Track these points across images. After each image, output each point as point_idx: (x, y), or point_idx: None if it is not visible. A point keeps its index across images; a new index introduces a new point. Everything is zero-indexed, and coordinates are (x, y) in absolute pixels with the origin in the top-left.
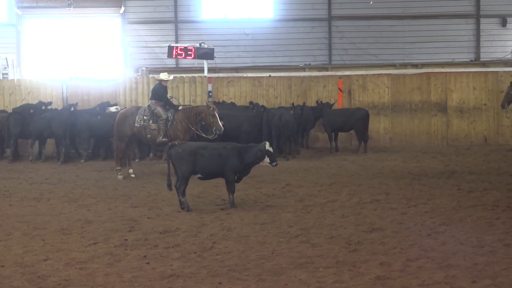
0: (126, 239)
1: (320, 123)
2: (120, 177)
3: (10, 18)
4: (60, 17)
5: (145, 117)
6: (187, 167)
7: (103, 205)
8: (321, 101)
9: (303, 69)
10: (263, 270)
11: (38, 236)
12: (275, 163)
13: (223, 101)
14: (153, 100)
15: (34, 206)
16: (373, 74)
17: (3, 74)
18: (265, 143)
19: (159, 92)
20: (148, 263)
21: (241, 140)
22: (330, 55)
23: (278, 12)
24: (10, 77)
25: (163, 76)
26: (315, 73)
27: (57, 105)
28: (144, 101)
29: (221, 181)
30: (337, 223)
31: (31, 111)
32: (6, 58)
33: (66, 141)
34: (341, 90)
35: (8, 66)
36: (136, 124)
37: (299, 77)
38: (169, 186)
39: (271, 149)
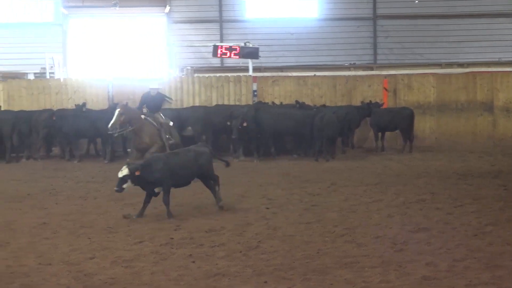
0: (171, 238)
1: (366, 122)
2: None
3: (56, 18)
4: (105, 17)
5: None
6: None
7: (149, 204)
8: (370, 101)
9: (348, 68)
10: (309, 270)
11: (85, 235)
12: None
13: (273, 102)
14: None
15: (80, 204)
16: (419, 74)
17: (49, 73)
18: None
19: None
20: (193, 261)
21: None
22: (375, 54)
23: (323, 11)
24: (57, 76)
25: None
26: (360, 73)
27: (103, 104)
28: (189, 100)
29: (266, 180)
30: (383, 222)
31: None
32: (52, 58)
33: (112, 140)
34: (386, 90)
35: (54, 66)
36: None
37: (344, 76)
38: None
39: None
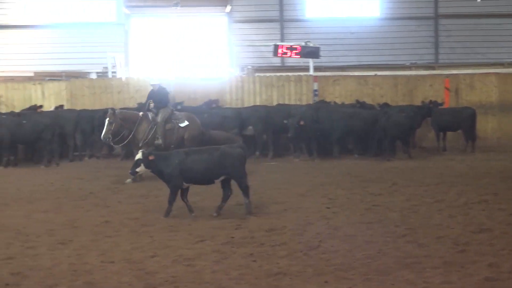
0: (232, 237)
1: (428, 122)
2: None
3: (119, 18)
4: (167, 16)
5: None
6: None
7: (209, 203)
8: (430, 101)
9: (409, 68)
10: (370, 270)
11: (146, 233)
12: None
13: (334, 101)
14: None
15: (142, 203)
16: (481, 73)
17: (112, 72)
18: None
19: None
20: (254, 261)
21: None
22: (436, 53)
23: (384, 10)
24: (118, 75)
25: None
26: (421, 72)
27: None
28: (250, 99)
29: (327, 180)
30: (445, 223)
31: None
32: (114, 57)
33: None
34: (448, 89)
35: (116, 65)
36: None
37: (405, 76)
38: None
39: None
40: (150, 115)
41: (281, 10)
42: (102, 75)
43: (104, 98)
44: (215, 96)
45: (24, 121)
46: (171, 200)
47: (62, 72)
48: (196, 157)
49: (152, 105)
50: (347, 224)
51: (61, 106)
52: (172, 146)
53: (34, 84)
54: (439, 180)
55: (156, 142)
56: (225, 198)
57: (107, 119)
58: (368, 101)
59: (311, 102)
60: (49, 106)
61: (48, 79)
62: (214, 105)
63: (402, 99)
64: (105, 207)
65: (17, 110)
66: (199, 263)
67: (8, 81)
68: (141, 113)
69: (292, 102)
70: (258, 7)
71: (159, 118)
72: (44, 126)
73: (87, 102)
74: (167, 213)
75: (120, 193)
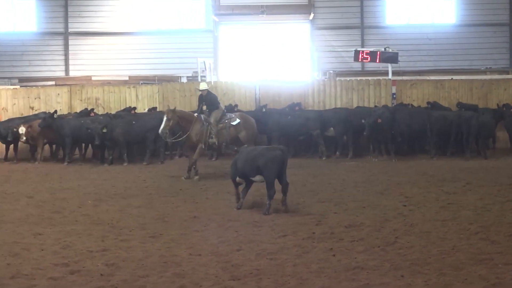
0: (313, 232)
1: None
2: None
3: (207, 24)
4: (253, 24)
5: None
6: None
7: (292, 199)
8: (503, 104)
9: (484, 72)
10: (444, 265)
11: (232, 228)
12: None
13: (411, 104)
14: None
15: (228, 199)
16: None
17: (201, 76)
18: None
19: None
20: (334, 255)
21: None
22: (511, 59)
23: (460, 17)
24: (208, 79)
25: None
26: (496, 76)
27: (251, 105)
28: (331, 102)
29: (403, 179)
30: None
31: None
32: (204, 62)
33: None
34: None
35: (205, 69)
36: None
37: (480, 80)
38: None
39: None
40: (203, 116)
41: (362, 17)
42: (192, 79)
43: (194, 101)
44: (298, 99)
45: (134, 122)
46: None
47: (154, 76)
48: (241, 156)
49: (204, 107)
50: (422, 221)
51: (154, 108)
52: (224, 144)
53: (129, 88)
54: None
55: (210, 140)
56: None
57: (165, 115)
58: (445, 104)
59: (389, 105)
60: (142, 108)
61: (142, 83)
62: (297, 108)
63: (477, 102)
64: (194, 203)
65: (113, 112)
66: (281, 257)
67: (105, 84)
68: (195, 114)
69: (371, 105)
70: (340, 14)
71: (211, 119)
72: (152, 126)
73: (178, 105)
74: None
75: (208, 190)
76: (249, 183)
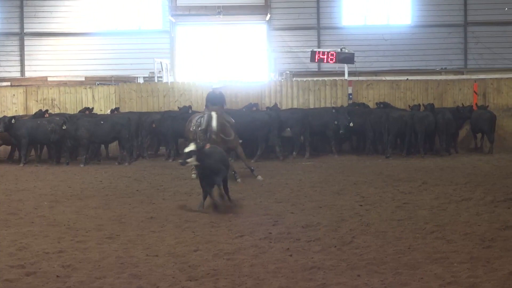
0: (270, 233)
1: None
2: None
3: (164, 25)
4: (210, 24)
5: None
6: None
7: (249, 200)
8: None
9: (439, 72)
10: (400, 264)
11: (189, 228)
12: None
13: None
14: None
15: (185, 200)
16: (508, 78)
17: (158, 77)
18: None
19: None
20: (291, 255)
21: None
22: (465, 59)
23: (416, 18)
24: (164, 80)
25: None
26: (451, 77)
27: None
28: (288, 103)
29: (360, 179)
30: (472, 220)
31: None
32: (160, 62)
33: None
34: (476, 93)
35: (162, 70)
36: None
37: (436, 80)
38: None
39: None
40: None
41: (318, 18)
42: (149, 79)
43: (150, 101)
44: (255, 99)
45: (102, 122)
46: (223, 189)
47: (111, 76)
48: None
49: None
50: (378, 220)
51: (117, 109)
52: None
53: (85, 88)
54: (467, 180)
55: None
56: None
57: (215, 114)
58: (400, 104)
59: (345, 105)
60: (99, 109)
61: (98, 84)
62: (254, 108)
63: (432, 102)
64: (151, 204)
65: (69, 113)
66: (238, 257)
67: (61, 85)
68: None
69: (328, 105)
70: (297, 15)
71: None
72: (121, 126)
73: (134, 105)
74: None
75: (165, 191)
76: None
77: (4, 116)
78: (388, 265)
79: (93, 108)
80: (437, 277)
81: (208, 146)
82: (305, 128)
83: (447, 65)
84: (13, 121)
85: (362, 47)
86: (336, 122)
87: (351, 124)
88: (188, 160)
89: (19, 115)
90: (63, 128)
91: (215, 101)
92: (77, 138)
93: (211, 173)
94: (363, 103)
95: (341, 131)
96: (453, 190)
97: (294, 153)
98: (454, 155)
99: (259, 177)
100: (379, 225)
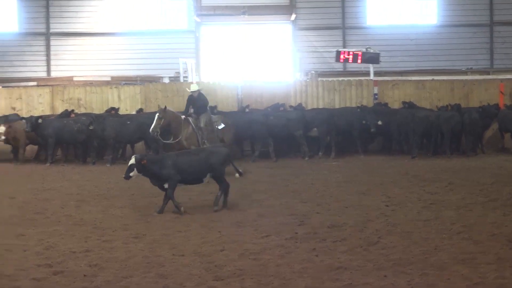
0: (296, 233)
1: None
2: None
3: (190, 25)
4: (234, 24)
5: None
6: None
7: (274, 200)
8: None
9: (465, 72)
10: (427, 265)
11: (215, 228)
12: None
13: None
14: None
15: (210, 200)
16: None
17: (183, 77)
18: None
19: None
20: (317, 255)
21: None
22: (491, 59)
23: (442, 18)
24: (189, 80)
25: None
26: (477, 77)
27: (233, 106)
28: (313, 102)
29: (385, 179)
30: (499, 221)
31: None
32: (186, 62)
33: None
34: (502, 93)
35: (187, 70)
36: None
37: (461, 80)
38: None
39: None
40: (191, 119)
41: (343, 18)
42: (174, 79)
43: (176, 101)
44: (280, 99)
45: (128, 122)
46: (172, 195)
47: (137, 76)
48: (185, 158)
49: (191, 110)
50: (405, 221)
51: (141, 109)
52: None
53: (111, 88)
54: (493, 180)
55: (204, 146)
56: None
57: (157, 114)
58: (426, 104)
59: (371, 105)
60: (125, 109)
61: (124, 83)
62: (282, 108)
63: (458, 102)
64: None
65: (95, 112)
66: (264, 257)
67: (87, 85)
68: (183, 117)
69: (353, 105)
70: (322, 15)
71: (201, 123)
72: (147, 126)
73: (160, 105)
74: (162, 210)
75: (191, 191)
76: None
77: (31, 116)
78: (415, 266)
79: (118, 108)
80: (464, 278)
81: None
82: (331, 128)
83: (473, 65)
84: (39, 121)
85: (387, 47)
86: (364, 122)
87: (380, 122)
88: (131, 174)
89: (45, 115)
90: (90, 128)
91: (196, 105)
92: (104, 138)
93: (157, 181)
94: (386, 103)
95: (372, 130)
96: (480, 191)
97: (320, 153)
98: (481, 155)
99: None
100: (405, 225)
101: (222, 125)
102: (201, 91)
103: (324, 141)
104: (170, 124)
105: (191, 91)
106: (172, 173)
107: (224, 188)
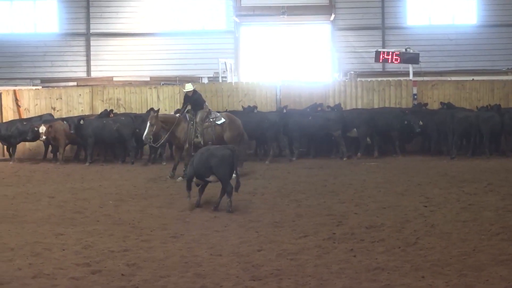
0: (334, 233)
1: None
2: None
3: (229, 26)
4: (274, 24)
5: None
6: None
7: (312, 200)
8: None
9: (505, 73)
10: (465, 266)
11: (253, 228)
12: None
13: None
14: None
15: (249, 200)
16: None
17: (222, 77)
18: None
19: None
20: (354, 256)
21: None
22: None
23: (481, 18)
24: (229, 80)
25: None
26: None
27: (271, 106)
28: (352, 103)
29: (424, 180)
30: None
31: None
32: (225, 63)
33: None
34: None
35: (226, 70)
36: None
37: (502, 80)
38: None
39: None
40: (188, 116)
41: (383, 18)
42: (213, 79)
43: (214, 101)
44: (319, 99)
45: None
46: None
47: (176, 76)
48: (195, 157)
49: (189, 107)
50: (443, 222)
51: (179, 110)
52: (210, 143)
53: (150, 88)
54: None
55: (195, 140)
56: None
57: (148, 122)
58: (466, 105)
59: (410, 106)
60: (164, 109)
61: (163, 84)
62: (319, 109)
63: (498, 103)
64: (214, 203)
65: (134, 112)
66: (302, 257)
67: (126, 85)
68: (177, 115)
69: (392, 106)
70: (361, 15)
71: (197, 118)
72: None
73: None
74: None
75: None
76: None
77: (73, 118)
78: (453, 267)
79: (159, 109)
80: (502, 279)
81: None
82: (371, 129)
83: None
84: (81, 122)
85: (427, 47)
86: (406, 122)
87: (421, 123)
88: None
89: (84, 115)
90: (137, 131)
91: (193, 103)
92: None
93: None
94: (426, 104)
95: (418, 130)
96: None
97: (358, 153)
98: None
99: (179, 178)
100: (443, 226)
101: (222, 120)
102: (195, 90)
103: (364, 142)
104: (163, 128)
105: (186, 91)
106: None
107: (226, 190)
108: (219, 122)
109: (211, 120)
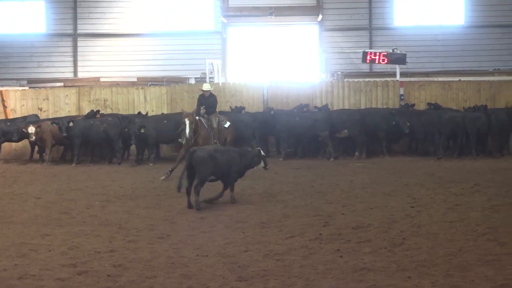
0: (321, 234)
1: None
2: None
3: (216, 26)
4: (261, 25)
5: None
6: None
7: (299, 201)
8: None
9: (492, 73)
10: (451, 266)
11: (240, 229)
12: (268, 166)
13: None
14: None
15: (236, 201)
16: None
17: (209, 78)
18: (259, 149)
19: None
20: (341, 256)
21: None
22: None
23: (469, 18)
24: (216, 80)
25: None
26: (504, 78)
27: (258, 107)
28: (339, 103)
29: (411, 180)
30: None
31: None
32: (212, 63)
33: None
34: None
35: (214, 71)
36: None
37: (488, 81)
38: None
39: (263, 154)
40: (203, 120)
41: (370, 18)
42: (201, 80)
43: None
44: (306, 100)
45: (165, 121)
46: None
47: (163, 77)
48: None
49: (203, 111)
50: (430, 222)
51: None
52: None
53: (137, 89)
54: None
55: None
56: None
57: (188, 120)
58: (452, 105)
59: (397, 106)
60: (150, 109)
61: (150, 84)
62: (305, 109)
63: (485, 103)
64: (201, 204)
65: (121, 113)
66: (288, 258)
67: (113, 85)
68: (197, 117)
69: (379, 106)
70: (348, 16)
71: (214, 123)
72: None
73: (186, 106)
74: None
75: (216, 192)
76: None
77: (63, 121)
78: (439, 267)
79: (147, 113)
80: (488, 280)
81: None
82: (363, 129)
83: (500, 66)
84: (71, 124)
85: (414, 48)
86: (394, 123)
87: (408, 123)
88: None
89: (71, 116)
90: (125, 130)
91: (207, 105)
92: (144, 138)
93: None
94: (413, 104)
95: (406, 131)
96: (506, 192)
97: (356, 153)
98: (507, 157)
99: (162, 177)
100: (430, 226)
101: (228, 123)
102: (211, 91)
103: (359, 142)
104: (196, 127)
105: (203, 90)
106: None
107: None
108: (226, 126)
109: (221, 123)
